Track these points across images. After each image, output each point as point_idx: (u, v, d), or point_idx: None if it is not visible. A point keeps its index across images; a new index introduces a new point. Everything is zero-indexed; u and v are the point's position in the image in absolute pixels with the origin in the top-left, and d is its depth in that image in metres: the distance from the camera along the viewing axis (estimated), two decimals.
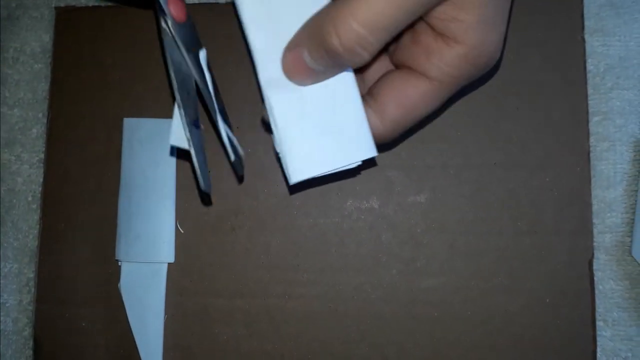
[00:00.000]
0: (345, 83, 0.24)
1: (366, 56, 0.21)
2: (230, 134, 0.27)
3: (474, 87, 0.31)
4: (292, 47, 0.23)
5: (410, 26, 0.24)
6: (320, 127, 0.23)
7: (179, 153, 0.32)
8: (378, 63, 0.28)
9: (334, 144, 0.23)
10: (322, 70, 0.22)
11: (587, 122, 0.31)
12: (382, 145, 0.29)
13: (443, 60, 0.22)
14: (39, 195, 0.34)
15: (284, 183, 0.32)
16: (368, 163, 0.29)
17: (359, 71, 0.28)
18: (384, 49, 0.25)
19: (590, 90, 0.32)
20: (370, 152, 0.24)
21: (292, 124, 0.23)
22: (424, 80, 0.23)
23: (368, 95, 0.25)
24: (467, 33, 0.22)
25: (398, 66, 0.25)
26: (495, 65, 0.24)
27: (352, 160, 0.24)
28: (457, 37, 0.22)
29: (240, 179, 0.31)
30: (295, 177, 0.23)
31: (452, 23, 0.22)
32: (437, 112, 0.25)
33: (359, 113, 0.24)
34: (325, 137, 0.23)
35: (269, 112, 0.24)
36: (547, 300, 0.30)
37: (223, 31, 0.33)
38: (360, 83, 0.27)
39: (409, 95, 0.23)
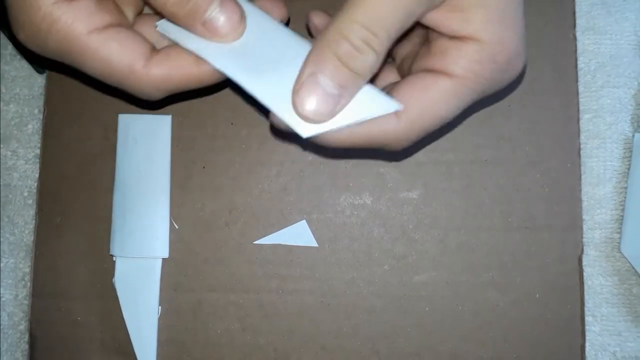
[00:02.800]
0: None
1: (374, 58, 0.20)
2: None
3: (498, 98, 0.31)
4: (304, 79, 0.21)
5: (424, 38, 0.24)
6: None
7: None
8: (384, 74, 0.27)
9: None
10: (339, 91, 0.21)
11: (578, 119, 0.31)
12: (399, 153, 0.28)
13: (462, 54, 0.21)
14: (35, 190, 0.34)
15: (278, 179, 0.32)
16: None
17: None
18: (388, 58, 0.25)
19: (581, 88, 0.32)
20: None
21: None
22: (444, 77, 0.22)
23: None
24: (479, 31, 0.21)
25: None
26: (521, 67, 0.23)
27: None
28: (471, 36, 0.21)
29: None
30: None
31: (461, 25, 0.21)
32: (455, 121, 0.24)
33: None
34: None
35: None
36: (537, 295, 0.30)
37: None
38: None
39: (429, 93, 0.22)
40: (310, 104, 0.21)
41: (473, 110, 0.26)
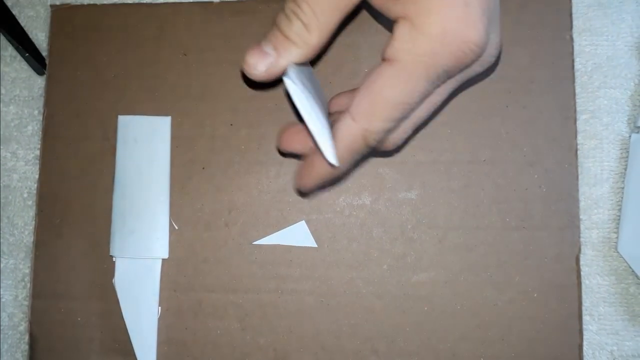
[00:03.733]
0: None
1: (300, 26, 0.24)
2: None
3: (472, 83, 0.31)
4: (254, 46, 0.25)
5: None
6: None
7: None
8: None
9: None
10: (273, 51, 0.24)
11: (575, 120, 0.32)
12: (385, 152, 0.29)
13: (396, 36, 0.22)
14: (35, 191, 0.34)
15: (277, 179, 0.32)
16: None
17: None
18: None
19: (578, 89, 0.32)
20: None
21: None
22: (385, 64, 0.23)
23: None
24: (409, 7, 0.22)
25: None
26: (478, 50, 0.23)
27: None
28: (403, 13, 0.22)
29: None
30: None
31: (395, 3, 0.22)
32: (440, 107, 0.26)
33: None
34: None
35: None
36: (535, 295, 0.30)
37: (217, 30, 0.33)
38: None
39: (375, 83, 0.23)
40: (250, 57, 0.24)
41: (455, 93, 0.26)
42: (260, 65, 0.24)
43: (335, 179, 0.27)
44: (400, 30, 0.22)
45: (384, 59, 0.23)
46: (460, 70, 0.23)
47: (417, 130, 0.27)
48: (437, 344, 0.31)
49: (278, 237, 0.32)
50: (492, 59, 0.24)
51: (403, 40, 0.22)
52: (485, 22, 0.22)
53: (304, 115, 0.24)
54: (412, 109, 0.24)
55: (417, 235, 0.31)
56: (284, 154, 0.32)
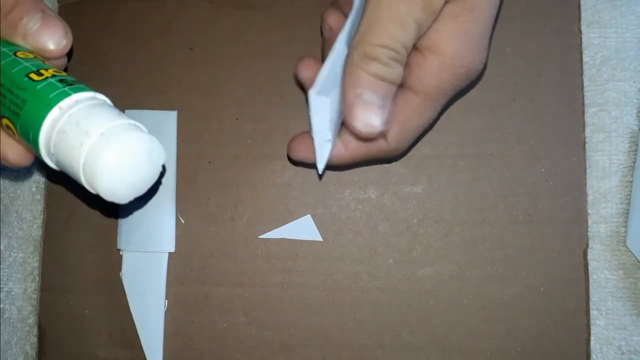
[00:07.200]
0: None
1: (400, 68, 0.23)
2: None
3: (461, 95, 0.31)
4: (352, 100, 0.23)
5: None
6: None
7: None
8: None
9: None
10: (383, 102, 0.23)
11: (583, 113, 0.31)
12: (394, 158, 0.31)
13: (423, 71, 0.24)
14: (43, 185, 0.34)
15: (282, 173, 0.32)
16: None
17: None
18: None
19: (586, 82, 0.32)
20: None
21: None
22: (412, 95, 0.25)
23: None
24: (443, 43, 0.23)
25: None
26: (479, 74, 0.26)
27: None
28: (433, 47, 0.24)
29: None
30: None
31: (429, 33, 0.23)
32: (434, 120, 0.28)
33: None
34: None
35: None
36: (542, 289, 0.30)
37: (223, 24, 0.33)
38: None
39: (403, 112, 0.25)
40: (368, 118, 0.23)
41: (444, 109, 0.28)
42: (382, 120, 0.23)
43: (341, 168, 0.29)
44: (431, 65, 0.24)
45: (407, 88, 0.25)
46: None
47: (414, 144, 0.29)
48: (443, 339, 0.31)
49: (284, 231, 0.32)
50: (477, 74, 0.26)
51: (433, 76, 0.24)
52: (487, 46, 0.24)
53: (313, 127, 0.25)
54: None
55: (423, 229, 0.31)
56: (295, 162, 0.32)
